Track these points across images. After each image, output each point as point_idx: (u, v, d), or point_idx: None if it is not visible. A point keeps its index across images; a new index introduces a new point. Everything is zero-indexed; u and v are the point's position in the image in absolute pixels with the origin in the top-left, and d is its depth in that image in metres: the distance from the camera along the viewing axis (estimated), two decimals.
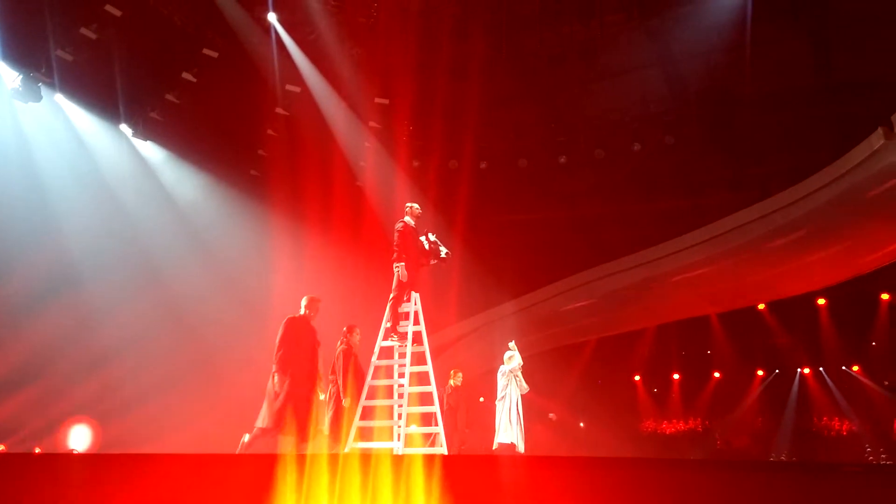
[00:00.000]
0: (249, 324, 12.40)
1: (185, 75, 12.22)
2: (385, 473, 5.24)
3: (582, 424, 19.36)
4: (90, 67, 11.27)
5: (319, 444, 7.70)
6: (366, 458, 5.55)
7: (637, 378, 20.61)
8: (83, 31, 10.95)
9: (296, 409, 7.58)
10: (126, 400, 11.38)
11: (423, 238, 9.11)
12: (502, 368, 10.22)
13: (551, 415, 11.67)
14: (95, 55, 11.20)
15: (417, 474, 5.20)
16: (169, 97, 12.35)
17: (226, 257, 12.89)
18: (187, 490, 5.32)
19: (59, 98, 11.39)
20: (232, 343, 12.41)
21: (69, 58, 10.98)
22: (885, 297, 17.37)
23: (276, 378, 7.72)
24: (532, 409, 11.12)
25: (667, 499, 5.42)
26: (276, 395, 7.69)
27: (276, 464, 5.17)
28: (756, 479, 6.14)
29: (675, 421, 20.07)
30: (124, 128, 12.31)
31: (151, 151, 12.76)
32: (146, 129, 12.51)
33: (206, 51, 12.16)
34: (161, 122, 12.52)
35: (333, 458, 5.35)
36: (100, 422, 11.40)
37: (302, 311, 8.04)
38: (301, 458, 5.25)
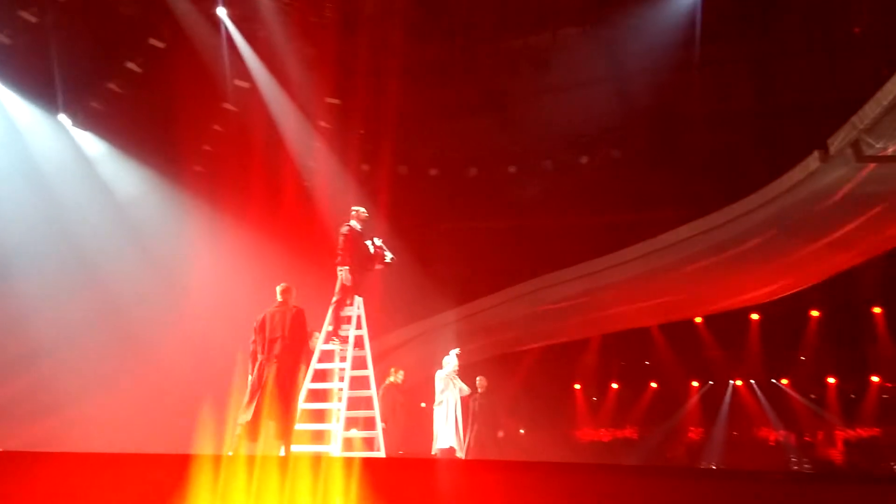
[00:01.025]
0: (190, 324, 12.16)
1: (130, 65, 11.92)
2: (304, 475, 5.23)
3: (522, 431, 19.53)
4: (29, 52, 10.90)
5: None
6: (283, 459, 5.53)
7: (577, 387, 20.90)
8: (22, 13, 10.60)
9: None
10: (58, 398, 11.03)
11: (368, 242, 9.10)
12: (439, 373, 10.31)
13: (500, 433, 11.82)
14: (34, 39, 10.84)
15: (336, 476, 5.20)
16: (111, 86, 12.01)
17: (166, 255, 12.59)
18: (100, 489, 5.23)
19: None
20: (171, 343, 12.13)
21: (6, 41, 10.62)
22: (814, 314, 18.06)
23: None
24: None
25: (599, 502, 5.54)
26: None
27: (191, 464, 5.11)
28: (684, 484, 6.34)
29: (612, 429, 20.41)
30: (63, 118, 11.92)
31: (91, 143, 12.37)
32: (86, 118, 12.13)
33: (152, 41, 11.87)
34: (102, 112, 12.16)
35: (250, 460, 5.32)
36: (30, 419, 10.98)
37: (279, 298, 7.78)
38: (217, 459, 5.19)
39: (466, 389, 10.47)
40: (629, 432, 20.22)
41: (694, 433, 19.78)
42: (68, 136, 12.11)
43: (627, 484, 6.13)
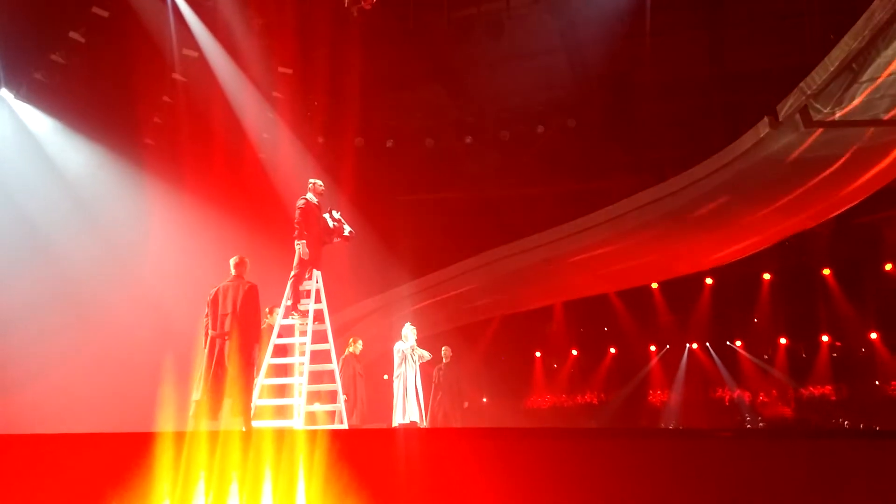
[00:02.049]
0: (147, 300, 11.97)
1: (73, 35, 11.47)
2: (267, 450, 5.23)
3: (485, 400, 19.79)
4: None
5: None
6: (246, 435, 5.51)
7: (538, 354, 21.18)
8: None
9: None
10: (12, 379, 10.79)
11: (326, 216, 9.04)
12: (397, 345, 10.35)
13: (465, 403, 11.98)
14: None
15: (300, 450, 5.22)
16: (54, 58, 11.57)
17: (119, 230, 12.30)
18: (64, 469, 5.17)
19: None
20: (129, 319, 11.92)
21: None
22: (766, 277, 18.55)
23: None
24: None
25: (558, 465, 5.67)
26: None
27: (154, 441, 5.07)
28: (644, 445, 6.51)
29: (572, 395, 20.76)
30: (5, 92, 11.49)
31: (36, 118, 11.97)
32: (30, 92, 11.70)
33: (95, 9, 11.43)
34: (47, 85, 11.72)
35: (213, 436, 5.28)
36: None
37: (233, 272, 7.67)
38: (180, 436, 5.16)
39: (427, 355, 10.48)
40: (590, 398, 20.61)
41: (653, 396, 20.25)
42: (11, 111, 11.69)
43: (584, 446, 6.28)
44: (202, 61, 12.43)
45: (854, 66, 9.41)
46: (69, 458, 5.38)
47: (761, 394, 19.24)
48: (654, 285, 18.65)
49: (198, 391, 7.40)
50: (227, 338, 7.33)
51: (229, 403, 7.21)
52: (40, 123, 12.01)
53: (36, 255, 11.45)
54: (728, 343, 20.16)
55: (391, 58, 13.21)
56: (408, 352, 10.28)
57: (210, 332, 7.46)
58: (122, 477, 5.04)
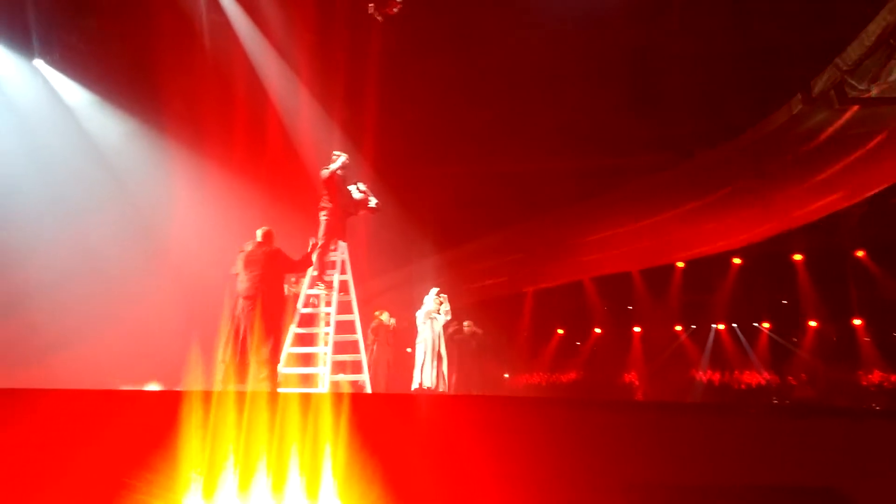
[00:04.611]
0: (176, 268, 12.16)
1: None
2: (293, 412, 5.29)
3: (507, 375, 19.86)
4: None
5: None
6: (273, 396, 5.60)
7: (560, 332, 21.14)
8: None
9: None
10: (44, 345, 11.04)
11: (352, 187, 9.13)
12: (419, 312, 10.47)
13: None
14: None
15: (325, 413, 5.28)
16: (86, 26, 11.73)
17: (146, 203, 12.49)
18: (91, 425, 5.29)
19: None
20: (159, 288, 12.13)
21: None
22: (797, 257, 18.23)
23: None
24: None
25: (576, 437, 5.69)
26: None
27: (182, 400, 5.15)
28: (671, 418, 6.51)
29: (594, 372, 20.68)
30: (39, 63, 11.68)
31: (69, 89, 12.15)
32: (63, 59, 11.87)
33: None
34: (79, 54, 11.88)
35: (240, 396, 5.37)
36: (18, 366, 11.01)
37: (259, 239, 7.84)
38: (207, 395, 5.24)
39: (446, 315, 10.54)
40: (611, 375, 20.47)
41: (675, 375, 20.09)
42: (45, 81, 11.89)
43: (604, 418, 6.28)
44: (229, 30, 12.47)
45: (892, 41, 9.19)
46: (103, 413, 5.52)
47: (789, 377, 19.01)
48: (680, 264, 18.46)
49: (225, 356, 7.54)
50: (253, 303, 7.46)
51: (255, 368, 7.35)
52: (73, 93, 12.20)
53: (65, 225, 11.66)
54: (755, 324, 19.94)
55: (416, 28, 13.06)
56: (430, 316, 10.39)
57: (238, 297, 7.59)
58: (153, 433, 5.15)
